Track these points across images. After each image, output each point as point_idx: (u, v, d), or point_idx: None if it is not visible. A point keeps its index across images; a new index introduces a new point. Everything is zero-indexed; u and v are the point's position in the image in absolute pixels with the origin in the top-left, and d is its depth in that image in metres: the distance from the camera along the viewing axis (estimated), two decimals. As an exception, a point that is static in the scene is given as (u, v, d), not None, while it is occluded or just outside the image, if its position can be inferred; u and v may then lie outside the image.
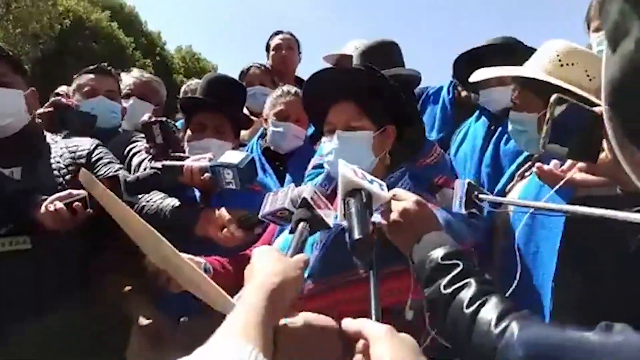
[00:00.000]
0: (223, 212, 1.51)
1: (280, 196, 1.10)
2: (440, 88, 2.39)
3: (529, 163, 1.51)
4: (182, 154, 1.73)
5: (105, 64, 2.33)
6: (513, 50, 1.88)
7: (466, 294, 0.82)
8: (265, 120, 2.19)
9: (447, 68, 2.18)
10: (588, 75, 1.36)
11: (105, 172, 1.74)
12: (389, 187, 1.07)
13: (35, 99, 1.76)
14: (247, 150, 2.22)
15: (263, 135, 2.25)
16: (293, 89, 2.18)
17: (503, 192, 1.59)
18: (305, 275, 0.94)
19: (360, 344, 0.68)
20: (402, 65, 2.04)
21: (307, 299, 1.14)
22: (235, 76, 2.83)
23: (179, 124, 2.76)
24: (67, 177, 1.71)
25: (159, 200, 1.61)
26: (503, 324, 0.75)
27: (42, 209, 1.50)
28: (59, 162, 1.75)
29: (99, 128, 2.10)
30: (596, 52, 1.66)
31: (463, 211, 1.17)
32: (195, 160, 1.54)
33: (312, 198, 1.01)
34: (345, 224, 0.94)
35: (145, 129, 1.85)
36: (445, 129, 2.28)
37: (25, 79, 1.75)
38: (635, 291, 1.10)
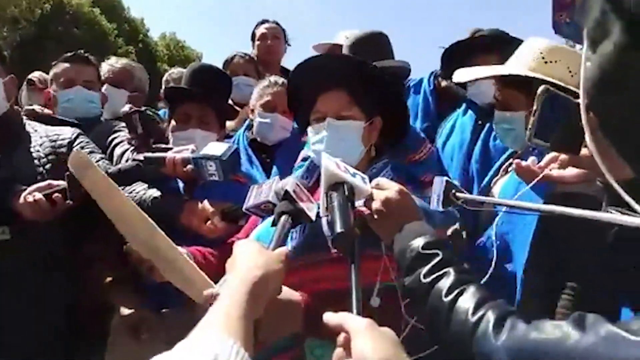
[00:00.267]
0: (206, 205, 1.51)
1: (264, 189, 1.10)
2: (421, 80, 2.40)
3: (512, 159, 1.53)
4: (164, 145, 1.71)
5: (86, 50, 2.28)
6: (499, 42, 1.89)
7: (445, 283, 0.84)
8: (252, 111, 2.18)
9: (436, 59, 2.18)
10: (570, 72, 1.38)
11: None
12: (371, 179, 1.08)
13: (13, 86, 1.73)
14: (234, 142, 2.21)
15: (250, 127, 2.24)
16: (280, 80, 2.16)
17: (489, 187, 1.62)
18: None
19: (341, 337, 0.70)
20: (392, 57, 2.04)
21: None
22: (220, 65, 2.81)
23: (161, 112, 2.74)
24: (47, 166, 1.69)
25: (142, 191, 1.59)
26: (479, 313, 0.77)
27: (21, 199, 1.48)
28: (38, 151, 1.72)
29: (80, 118, 2.06)
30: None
31: (440, 209, 1.20)
32: (177, 152, 1.53)
33: (294, 191, 1.01)
34: (327, 216, 0.95)
35: (126, 119, 1.83)
36: (428, 119, 2.30)
37: (5, 66, 1.71)
38: (607, 283, 1.13)
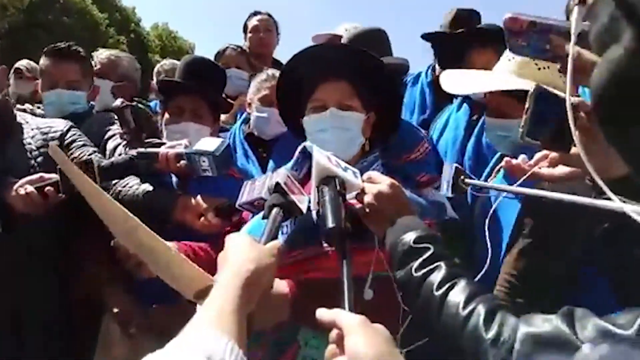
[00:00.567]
0: (200, 200, 1.50)
1: (257, 185, 1.09)
2: (420, 73, 2.40)
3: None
4: (158, 140, 1.70)
5: (77, 40, 2.25)
6: (495, 37, 1.88)
7: (436, 277, 0.85)
8: (249, 105, 2.17)
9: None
10: (561, 76, 1.39)
11: (79, 154, 1.70)
12: (362, 172, 1.08)
13: (4, 76, 1.71)
14: (229, 136, 2.20)
15: (246, 121, 2.22)
16: (278, 74, 2.15)
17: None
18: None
19: (334, 333, 0.70)
20: (391, 54, 2.03)
21: None
22: (212, 57, 2.79)
23: (152, 104, 2.72)
24: (39, 159, 1.68)
25: (136, 185, 1.59)
26: (470, 307, 0.78)
27: (13, 192, 1.47)
28: (30, 144, 1.71)
29: (66, 116, 2.01)
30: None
31: (450, 194, 1.20)
32: (171, 147, 1.53)
33: (285, 183, 1.01)
34: (318, 210, 0.95)
35: (118, 113, 1.82)
36: (425, 112, 2.29)
37: (-6, 57, 1.70)
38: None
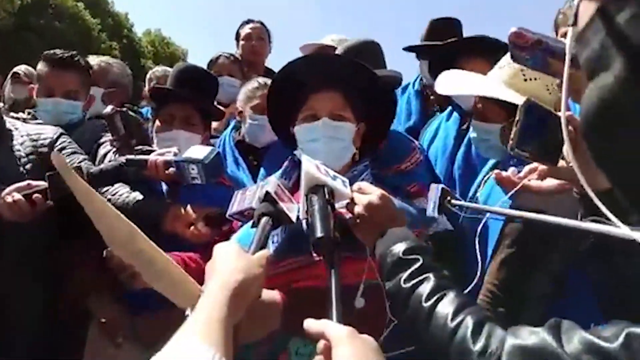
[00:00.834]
0: (190, 210, 1.50)
1: (248, 195, 1.08)
2: (408, 84, 2.43)
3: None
4: (148, 147, 1.70)
5: (69, 47, 2.23)
6: (485, 47, 1.90)
7: (425, 288, 0.85)
8: (240, 113, 2.16)
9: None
10: (548, 89, 1.41)
11: (69, 162, 1.69)
12: (352, 182, 1.09)
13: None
14: (219, 143, 2.19)
15: (236, 128, 2.22)
16: (269, 81, 2.15)
17: (474, 199, 1.63)
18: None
19: (321, 344, 0.69)
20: (384, 66, 2.04)
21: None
22: (205, 65, 2.79)
23: (144, 110, 2.71)
24: (28, 166, 1.66)
25: (125, 194, 1.58)
26: (458, 319, 0.79)
27: (0, 200, 1.46)
28: (19, 150, 1.69)
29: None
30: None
31: (436, 215, 1.21)
32: (160, 154, 1.52)
33: (275, 192, 1.00)
34: (307, 220, 0.95)
35: (108, 120, 1.81)
36: (412, 119, 2.33)
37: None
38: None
